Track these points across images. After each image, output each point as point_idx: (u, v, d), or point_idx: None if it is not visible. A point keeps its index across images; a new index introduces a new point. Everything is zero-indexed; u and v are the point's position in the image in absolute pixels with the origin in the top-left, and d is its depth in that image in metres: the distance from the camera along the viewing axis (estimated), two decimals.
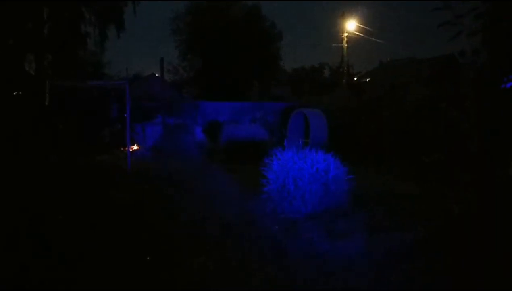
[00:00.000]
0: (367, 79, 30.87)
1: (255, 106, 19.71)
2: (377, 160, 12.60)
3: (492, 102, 7.04)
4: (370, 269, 5.42)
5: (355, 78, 32.74)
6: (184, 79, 31.54)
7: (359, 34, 30.08)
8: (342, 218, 7.41)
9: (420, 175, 9.15)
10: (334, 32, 37.04)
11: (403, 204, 8.20)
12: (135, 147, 16.20)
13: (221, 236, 6.71)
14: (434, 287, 4.80)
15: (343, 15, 31.25)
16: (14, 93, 16.12)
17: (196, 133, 17.12)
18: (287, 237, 6.56)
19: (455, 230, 6.56)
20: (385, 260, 5.66)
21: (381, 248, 6.07)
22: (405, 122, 12.93)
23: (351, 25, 30.11)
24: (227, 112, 19.40)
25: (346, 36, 29.63)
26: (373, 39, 33.27)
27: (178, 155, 14.26)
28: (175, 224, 7.21)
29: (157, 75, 28.46)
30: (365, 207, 8.04)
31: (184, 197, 9.03)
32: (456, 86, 8.68)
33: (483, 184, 8.20)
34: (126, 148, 13.44)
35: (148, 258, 5.63)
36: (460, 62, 13.90)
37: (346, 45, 29.74)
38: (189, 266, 5.45)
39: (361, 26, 30.28)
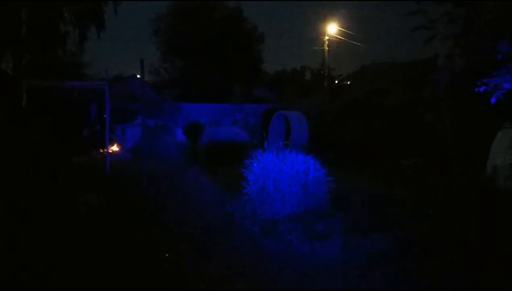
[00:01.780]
0: (348, 82, 31.14)
1: (236, 108, 19.69)
2: (357, 162, 12.70)
3: (467, 106, 7.20)
4: (349, 271, 5.46)
5: (336, 81, 33.00)
6: (165, 81, 31.33)
7: (340, 37, 30.37)
8: (322, 219, 7.45)
9: (399, 178, 9.30)
10: (316, 35, 37.33)
11: (383, 206, 8.28)
12: (115, 149, 16.02)
13: (202, 238, 6.69)
14: (413, 289, 4.84)
15: (324, 19, 31.53)
16: None
17: (177, 135, 17.00)
18: (267, 239, 6.58)
19: (434, 231, 6.68)
20: (364, 262, 5.72)
21: (359, 250, 6.12)
22: (385, 125, 13.09)
23: (332, 28, 30.39)
24: (208, 114, 19.34)
25: (327, 39, 29.89)
26: (354, 42, 33.58)
27: (158, 156, 14.13)
28: (155, 226, 7.15)
29: (138, 76, 28.21)
30: (344, 209, 8.10)
31: (164, 199, 8.96)
32: (432, 90, 8.90)
33: (460, 186, 8.40)
34: (106, 150, 13.29)
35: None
36: (436, 67, 14.24)
37: (327, 48, 29.98)
38: (170, 269, 5.42)
39: (342, 29, 30.57)
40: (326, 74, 29.91)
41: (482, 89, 3.24)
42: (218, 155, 13.34)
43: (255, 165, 8.39)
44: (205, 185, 10.20)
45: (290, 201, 7.80)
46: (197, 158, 13.81)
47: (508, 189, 8.45)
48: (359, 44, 41.40)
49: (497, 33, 2.73)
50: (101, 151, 15.45)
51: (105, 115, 12.68)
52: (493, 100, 3.19)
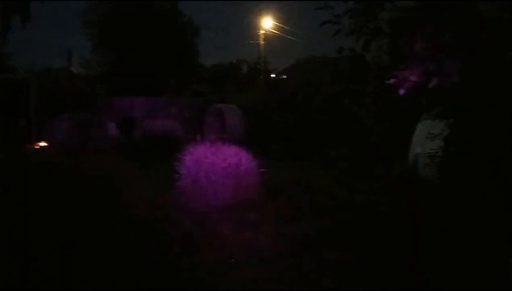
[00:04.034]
0: (284, 76, 31.69)
1: (171, 101, 19.42)
2: (290, 153, 13.02)
3: (389, 99, 7.58)
4: (278, 259, 5.62)
5: (273, 75, 33.46)
6: (98, 74, 30.23)
7: (276, 32, 30.80)
8: (254, 210, 7.60)
9: (329, 167, 9.64)
10: (252, 29, 37.57)
11: (314, 195, 8.57)
12: (43, 144, 15.29)
13: (133, 232, 6.60)
14: (340, 277, 5.02)
15: (260, 13, 31.82)
16: None
17: (110, 129, 16.51)
18: (199, 231, 6.61)
19: (360, 220, 7.00)
20: (293, 250, 5.91)
21: (289, 239, 6.32)
22: (315, 118, 13.53)
23: (267, 22, 30.72)
24: (142, 107, 18.94)
25: (263, 33, 30.20)
26: (289, 37, 34.17)
27: (90, 151, 13.69)
28: (84, 223, 6.93)
29: (70, 69, 27.02)
30: (276, 199, 8.32)
31: (95, 194, 8.71)
32: (356, 83, 9.30)
33: (384, 174, 8.84)
34: (32, 145, 12.69)
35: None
36: (365, 60, 14.77)
37: (263, 42, 30.30)
38: (100, 265, 5.31)
39: (278, 24, 31.01)
40: (262, 68, 30.22)
41: (392, 81, 3.46)
42: (152, 149, 13.14)
43: (187, 158, 8.39)
44: (138, 179, 10.04)
45: (223, 193, 7.89)
46: (131, 152, 13.50)
47: (427, 177, 9.00)
48: (294, 38, 42.14)
49: (397, 32, 2.95)
50: (28, 146, 14.68)
51: (31, 110, 12.07)
52: (402, 92, 3.42)
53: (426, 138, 9.22)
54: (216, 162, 7.96)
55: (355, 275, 5.08)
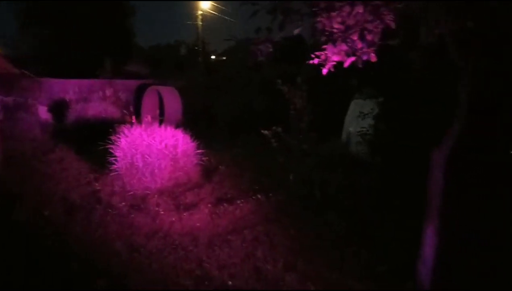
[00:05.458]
0: (224, 58, 31.49)
1: (106, 83, 18.76)
2: (228, 134, 13.11)
3: (323, 79, 7.83)
4: (213, 237, 5.74)
5: (213, 57, 33.16)
6: (26, 54, 28.49)
7: (214, 12, 30.39)
8: (191, 191, 7.65)
9: (263, 148, 9.83)
10: (189, 9, 36.84)
11: (250, 175, 8.72)
12: None
13: (67, 217, 6.45)
14: (275, 255, 5.21)
15: None
16: None
17: (40, 113, 15.74)
18: (135, 213, 6.58)
19: (293, 196, 7.25)
20: (228, 229, 6.06)
21: (224, 218, 6.46)
22: (253, 99, 13.69)
23: (205, 3, 30.19)
24: (75, 90, 18.18)
25: (201, 14, 29.69)
26: (227, 18, 33.81)
27: (18, 137, 12.99)
28: (16, 210, 6.67)
29: None
30: (214, 179, 8.40)
31: (25, 180, 8.35)
32: (290, 65, 9.54)
33: (319, 152, 9.15)
34: None
35: None
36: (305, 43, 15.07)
37: (201, 23, 29.82)
38: (33, 250, 5.19)
39: (216, 4, 30.57)
40: (200, 49, 29.78)
41: (316, 61, 3.60)
42: (86, 132, 12.70)
43: (122, 140, 8.24)
44: (71, 163, 9.71)
45: (160, 175, 7.85)
46: (63, 137, 12.98)
47: (359, 154, 9.46)
48: (232, 20, 41.74)
49: (313, 13, 3.07)
50: None
51: None
52: (324, 71, 3.57)
53: (357, 117, 9.66)
54: (153, 143, 7.89)
55: (290, 248, 5.33)
